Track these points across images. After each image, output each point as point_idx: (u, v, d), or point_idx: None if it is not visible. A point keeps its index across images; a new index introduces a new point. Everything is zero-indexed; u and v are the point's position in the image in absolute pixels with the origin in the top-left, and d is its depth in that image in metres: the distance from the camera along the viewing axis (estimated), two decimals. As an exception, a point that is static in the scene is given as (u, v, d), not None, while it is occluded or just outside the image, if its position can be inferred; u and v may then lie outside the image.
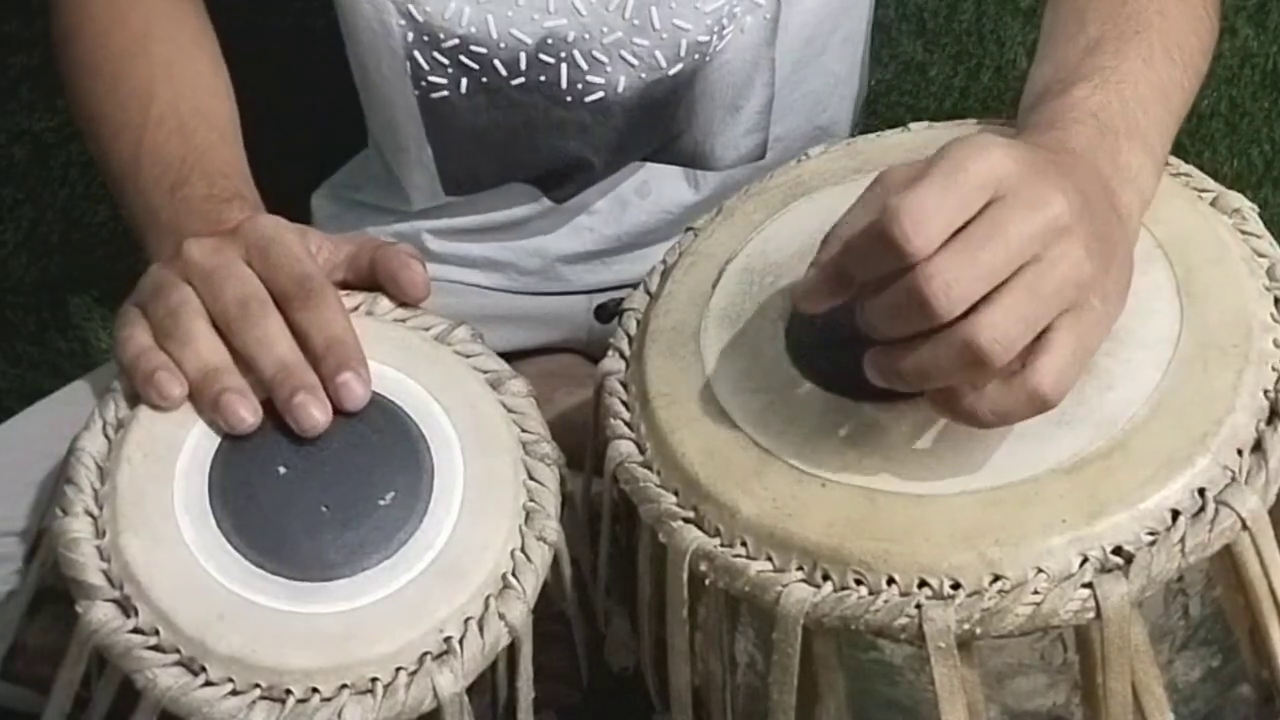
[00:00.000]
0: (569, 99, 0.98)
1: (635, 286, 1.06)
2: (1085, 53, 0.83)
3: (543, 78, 0.97)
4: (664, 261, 0.87)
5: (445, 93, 0.97)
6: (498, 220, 1.05)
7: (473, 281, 1.08)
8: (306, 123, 1.05)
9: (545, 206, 1.03)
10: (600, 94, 0.97)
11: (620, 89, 0.97)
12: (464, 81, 0.97)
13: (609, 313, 1.07)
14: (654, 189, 1.04)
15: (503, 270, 1.07)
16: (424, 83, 0.97)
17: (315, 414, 0.77)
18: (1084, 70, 0.81)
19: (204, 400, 0.78)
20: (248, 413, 0.77)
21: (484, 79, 0.97)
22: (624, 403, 0.81)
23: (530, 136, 0.99)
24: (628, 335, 0.84)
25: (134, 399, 0.79)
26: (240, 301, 0.78)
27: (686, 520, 0.76)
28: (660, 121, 1.00)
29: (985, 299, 0.68)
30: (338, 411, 0.78)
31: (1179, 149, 0.82)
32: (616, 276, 1.07)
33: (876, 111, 1.76)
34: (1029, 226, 0.68)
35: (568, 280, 1.07)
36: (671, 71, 0.98)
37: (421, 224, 1.06)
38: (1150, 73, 0.81)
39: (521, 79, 0.97)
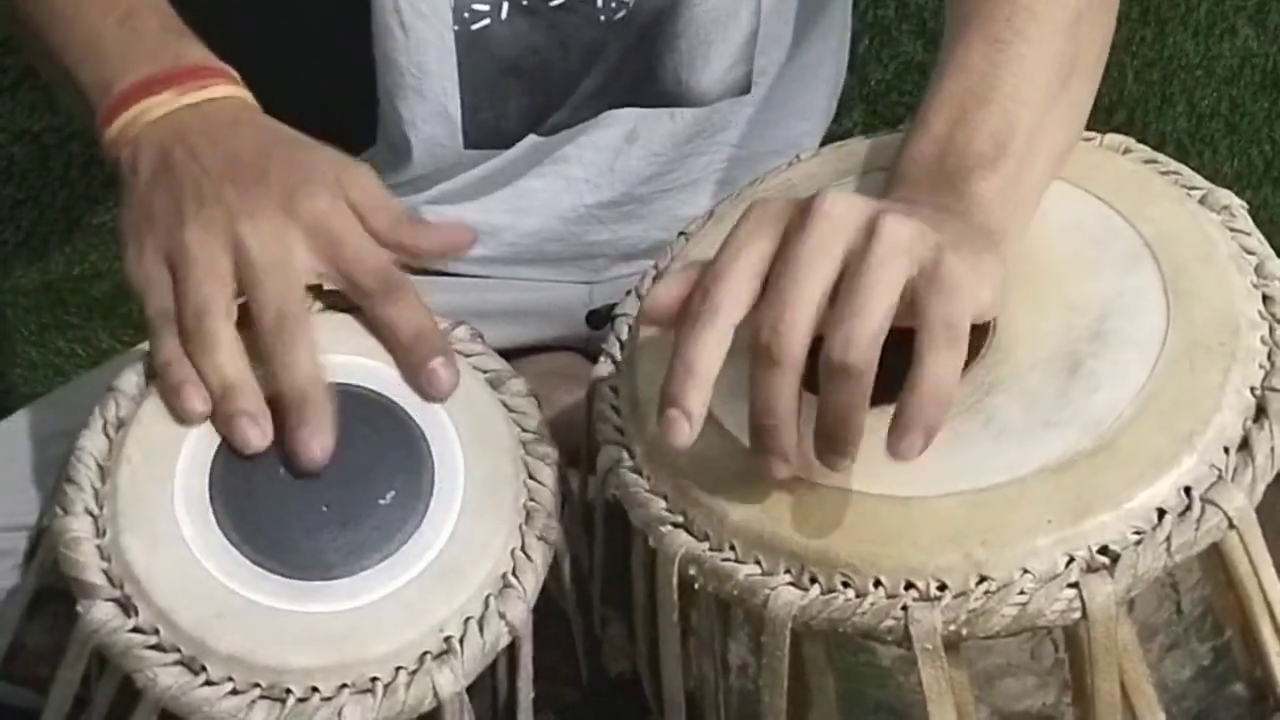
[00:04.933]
0: (601, 18, 1.00)
1: (630, 259, 1.07)
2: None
3: None
4: (655, 266, 0.87)
5: (487, 20, 0.99)
6: (483, 172, 1.06)
7: (474, 255, 1.08)
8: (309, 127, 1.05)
9: (534, 142, 1.04)
10: (625, 11, 1.00)
11: (633, 5, 1.00)
12: (505, 6, 0.99)
13: (601, 318, 1.08)
14: (642, 133, 1.05)
15: (501, 235, 1.08)
16: (466, 13, 0.99)
17: (314, 449, 0.77)
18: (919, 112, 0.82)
19: (218, 416, 0.78)
20: (258, 437, 0.78)
21: (524, 1, 0.99)
22: (614, 408, 0.81)
23: (563, 53, 1.01)
24: (619, 340, 0.84)
25: (136, 398, 0.79)
26: (278, 314, 0.79)
27: (675, 525, 0.76)
28: (653, 42, 1.01)
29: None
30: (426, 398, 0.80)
31: (1179, 149, 0.82)
32: (615, 237, 1.08)
33: (876, 111, 1.76)
34: (815, 237, 0.71)
35: (566, 240, 1.08)
36: None
37: (417, 197, 1.07)
38: (965, 75, 0.81)
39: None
